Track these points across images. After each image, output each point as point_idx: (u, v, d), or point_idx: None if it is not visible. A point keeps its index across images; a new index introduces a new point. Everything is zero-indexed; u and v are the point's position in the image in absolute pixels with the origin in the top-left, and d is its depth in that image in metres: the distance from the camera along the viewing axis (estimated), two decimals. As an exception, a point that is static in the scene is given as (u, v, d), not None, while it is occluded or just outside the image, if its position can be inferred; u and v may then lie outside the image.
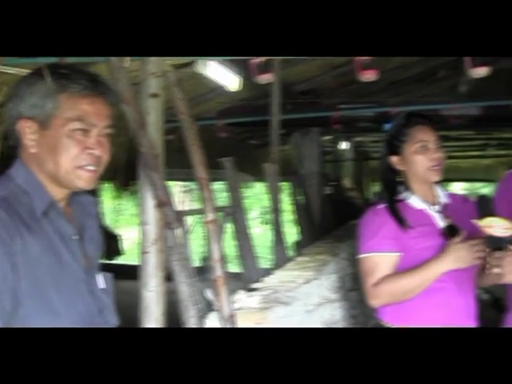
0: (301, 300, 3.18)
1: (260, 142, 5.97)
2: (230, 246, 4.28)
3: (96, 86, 1.79)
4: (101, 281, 1.89)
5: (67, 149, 1.74)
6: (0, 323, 1.62)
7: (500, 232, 2.30)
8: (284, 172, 6.89)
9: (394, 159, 2.81)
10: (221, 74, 3.78)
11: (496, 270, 2.35)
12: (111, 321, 1.87)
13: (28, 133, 1.75)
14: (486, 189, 15.65)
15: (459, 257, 2.53)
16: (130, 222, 13.94)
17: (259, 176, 4.95)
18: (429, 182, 2.77)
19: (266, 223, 4.89)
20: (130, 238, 10.98)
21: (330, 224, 6.00)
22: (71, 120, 1.73)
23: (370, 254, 2.75)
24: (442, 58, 3.55)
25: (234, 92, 4.44)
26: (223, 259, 2.73)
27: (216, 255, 2.70)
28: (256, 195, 15.52)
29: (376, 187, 7.19)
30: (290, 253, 4.92)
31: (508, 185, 2.79)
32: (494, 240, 2.35)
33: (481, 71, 3.06)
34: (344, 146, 8.17)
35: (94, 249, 1.95)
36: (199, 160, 2.68)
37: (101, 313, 1.84)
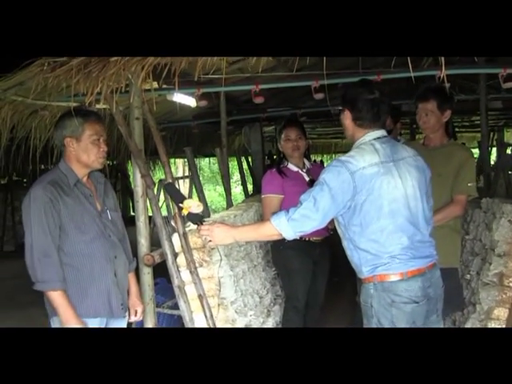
0: (229, 226, 3.66)
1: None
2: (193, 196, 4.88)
3: (99, 117, 2.34)
4: (109, 215, 2.38)
5: (92, 150, 2.27)
6: (56, 241, 2.15)
7: (196, 209, 2.30)
8: (239, 151, 7.47)
9: (279, 145, 3.61)
10: (183, 98, 4.03)
11: (208, 239, 2.28)
12: (112, 236, 2.34)
13: (71, 145, 2.27)
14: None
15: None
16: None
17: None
18: (292, 157, 3.49)
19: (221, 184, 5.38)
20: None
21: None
22: (92, 135, 2.27)
23: (267, 195, 3.37)
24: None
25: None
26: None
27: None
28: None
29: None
30: (235, 201, 5.29)
31: None
32: (192, 217, 2.31)
33: (319, 96, 3.37)
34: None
35: (107, 198, 2.40)
36: (162, 150, 3.02)
37: (106, 230, 2.32)
